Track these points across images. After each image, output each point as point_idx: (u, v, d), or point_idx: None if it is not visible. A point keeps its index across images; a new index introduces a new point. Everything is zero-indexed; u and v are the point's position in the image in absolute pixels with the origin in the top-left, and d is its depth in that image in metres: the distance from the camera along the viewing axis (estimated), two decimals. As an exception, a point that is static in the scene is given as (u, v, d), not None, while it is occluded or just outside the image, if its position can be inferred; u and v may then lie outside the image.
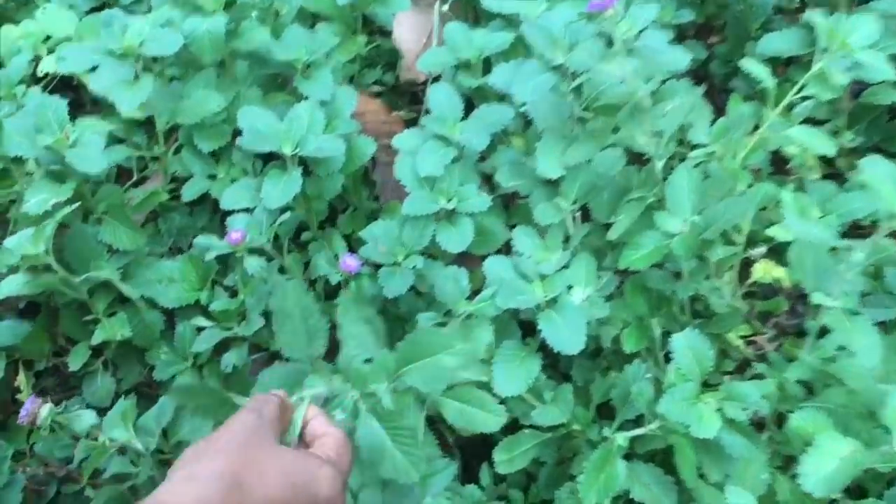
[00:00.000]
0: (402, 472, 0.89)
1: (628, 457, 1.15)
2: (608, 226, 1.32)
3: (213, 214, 1.50)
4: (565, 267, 1.22)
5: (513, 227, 1.32)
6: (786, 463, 1.22)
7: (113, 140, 1.49)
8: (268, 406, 0.79)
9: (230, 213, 1.34)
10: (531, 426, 1.21)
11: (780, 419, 1.22)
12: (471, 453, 1.36)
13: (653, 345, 1.27)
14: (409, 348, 0.93)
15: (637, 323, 1.25)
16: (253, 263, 1.24)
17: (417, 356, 0.93)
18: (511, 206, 1.50)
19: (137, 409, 1.18)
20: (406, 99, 1.84)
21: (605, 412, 1.27)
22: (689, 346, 1.14)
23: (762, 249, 1.37)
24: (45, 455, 1.21)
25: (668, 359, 1.29)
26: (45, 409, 1.05)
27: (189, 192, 1.43)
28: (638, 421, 1.20)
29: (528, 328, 1.30)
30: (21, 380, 1.19)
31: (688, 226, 1.16)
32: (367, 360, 0.97)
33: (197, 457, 0.73)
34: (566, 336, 1.14)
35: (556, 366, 1.37)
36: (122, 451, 1.15)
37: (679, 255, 1.16)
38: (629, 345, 1.21)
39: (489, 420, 1.09)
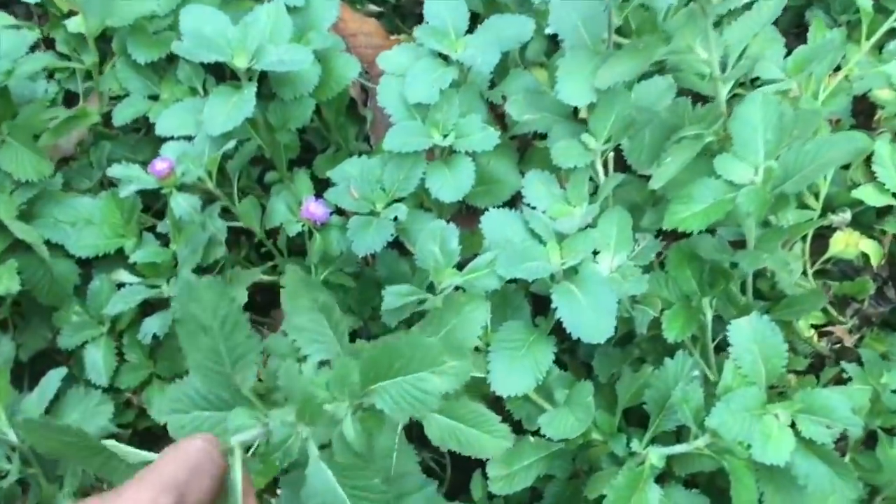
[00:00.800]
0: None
1: (661, 478, 0.86)
2: (646, 178, 1.02)
3: (158, 145, 1.21)
4: (591, 226, 0.91)
5: (527, 175, 1.02)
6: (870, 496, 0.93)
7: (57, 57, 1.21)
8: (196, 480, 0.51)
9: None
10: (537, 433, 0.92)
11: (870, 439, 0.93)
12: (461, 459, 1.07)
13: (702, 333, 0.97)
14: (381, 359, 0.61)
15: (683, 304, 0.95)
16: (181, 203, 0.95)
17: (392, 371, 0.61)
18: (527, 152, 1.20)
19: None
20: (411, 22, 1.52)
21: (634, 418, 0.98)
22: (754, 337, 0.84)
23: (846, 216, 1.06)
24: None
25: (720, 352, 1.00)
26: None
27: (121, 115, 1.15)
28: (679, 434, 0.91)
29: (540, 303, 1.01)
30: None
31: (761, 174, 0.86)
32: (322, 364, 0.67)
33: None
34: (589, 318, 0.84)
35: (573, 352, 1.08)
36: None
37: (746, 214, 0.86)
38: (672, 331, 0.91)
39: (488, 444, 0.78)
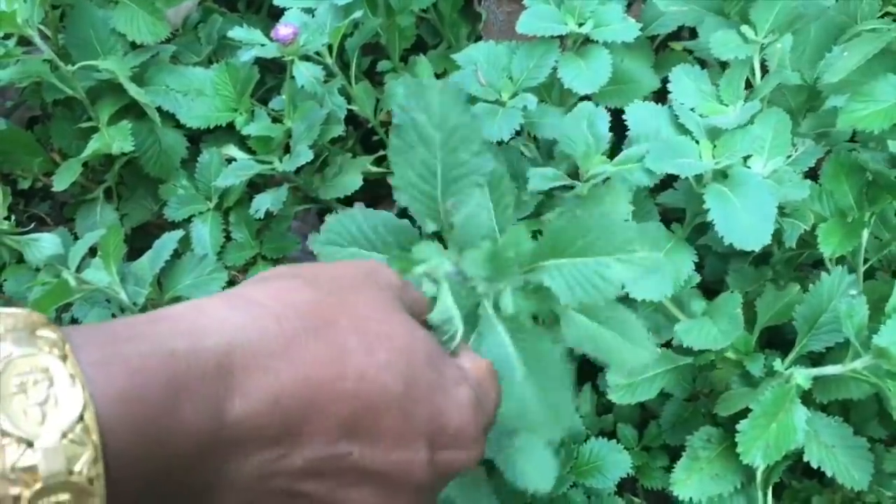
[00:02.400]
0: (538, 419, 0.53)
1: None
2: (802, 86, 0.93)
3: (271, 24, 1.15)
4: (749, 123, 0.83)
5: (665, 79, 0.93)
6: None
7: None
8: (384, 271, 0.46)
9: (287, 18, 0.99)
10: (666, 345, 0.85)
11: None
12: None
13: (853, 256, 0.89)
14: (563, 233, 0.53)
15: (839, 218, 0.86)
16: (303, 72, 0.89)
17: (572, 248, 0.54)
18: (660, 54, 1.11)
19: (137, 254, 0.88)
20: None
21: (766, 340, 0.91)
22: (928, 256, 0.75)
23: None
24: (13, 295, 0.92)
25: (870, 275, 0.92)
26: (-13, 224, 0.74)
27: (236, -15, 1.08)
28: (823, 357, 0.83)
29: (668, 214, 0.94)
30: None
31: (953, 75, 0.76)
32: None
33: (272, 277, 0.42)
34: (744, 223, 0.76)
35: (699, 268, 1.00)
36: (108, 300, 0.85)
37: (934, 118, 0.77)
38: (828, 246, 0.83)
39: (629, 353, 0.70)
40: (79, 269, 0.79)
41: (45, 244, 0.76)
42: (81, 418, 0.30)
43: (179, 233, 0.84)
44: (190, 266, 0.84)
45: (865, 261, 0.89)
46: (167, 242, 0.82)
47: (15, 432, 0.29)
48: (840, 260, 0.90)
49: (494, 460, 0.77)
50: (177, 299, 0.83)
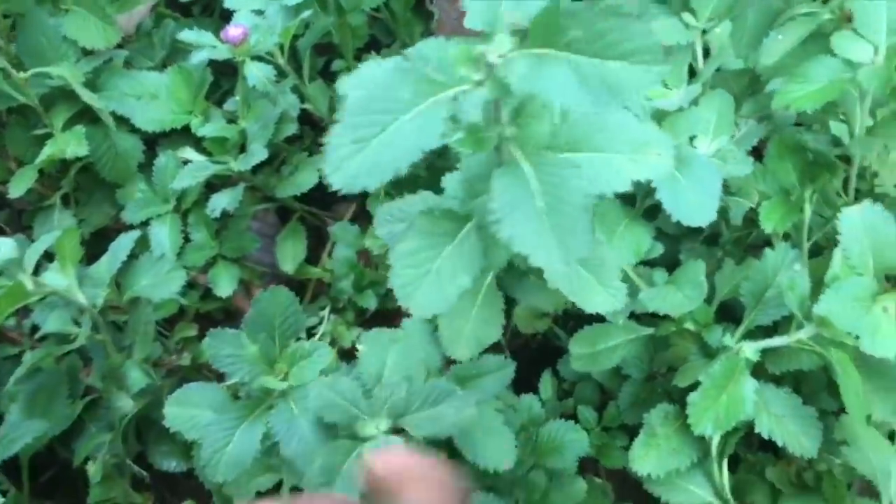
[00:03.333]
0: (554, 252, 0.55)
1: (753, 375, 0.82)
2: (742, 71, 0.96)
3: (223, 25, 1.16)
4: (693, 105, 0.86)
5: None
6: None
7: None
8: None
9: (239, 20, 1.00)
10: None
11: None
12: (525, 358, 1.04)
13: (797, 232, 0.91)
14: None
15: (782, 196, 0.89)
16: (255, 72, 0.90)
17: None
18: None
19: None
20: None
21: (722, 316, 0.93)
22: (864, 227, 0.78)
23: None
24: (-28, 304, 0.92)
25: (817, 252, 0.95)
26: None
27: (187, -11, 1.09)
28: (773, 330, 0.86)
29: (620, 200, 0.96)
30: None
31: (882, 53, 0.79)
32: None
33: None
34: (692, 200, 0.78)
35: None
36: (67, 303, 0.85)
37: (864, 94, 0.80)
38: (769, 222, 0.85)
39: (600, 298, 0.70)
40: (36, 273, 0.79)
41: (0, 248, 0.76)
42: None
43: (136, 233, 0.84)
44: (147, 266, 0.84)
45: (810, 238, 0.92)
46: (124, 243, 0.82)
47: None
48: (786, 237, 0.93)
49: (456, 443, 0.79)
50: (135, 300, 0.84)
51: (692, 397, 0.78)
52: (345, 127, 0.52)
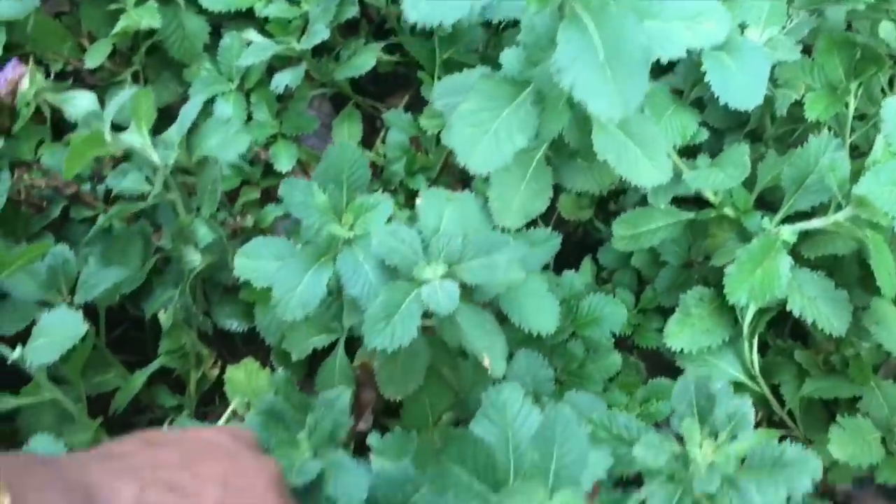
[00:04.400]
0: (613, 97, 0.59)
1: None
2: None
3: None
4: (743, -5, 0.88)
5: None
6: None
7: None
8: None
9: None
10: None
11: None
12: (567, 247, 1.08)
13: (840, 127, 0.94)
14: None
15: (828, 88, 0.91)
16: (321, -48, 0.93)
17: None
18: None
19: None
20: None
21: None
22: (908, 115, 0.81)
23: None
24: (52, 168, 0.98)
25: (856, 152, 0.97)
26: (27, 81, 0.79)
27: None
28: (810, 215, 0.89)
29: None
30: (30, 70, 0.95)
31: (939, -56, 0.80)
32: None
33: None
34: (740, 84, 0.81)
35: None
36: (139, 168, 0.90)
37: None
38: (813, 111, 0.88)
39: (647, 170, 0.71)
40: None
41: (81, 101, 0.81)
42: None
43: (203, 97, 0.89)
44: (215, 128, 0.89)
45: (851, 135, 0.95)
46: (192, 107, 0.87)
47: None
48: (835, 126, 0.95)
49: (502, 307, 0.84)
50: (203, 160, 0.89)
51: (729, 269, 0.82)
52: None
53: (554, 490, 0.57)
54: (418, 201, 0.76)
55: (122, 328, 1.04)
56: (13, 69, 0.80)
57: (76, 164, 0.80)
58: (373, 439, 0.79)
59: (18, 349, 0.79)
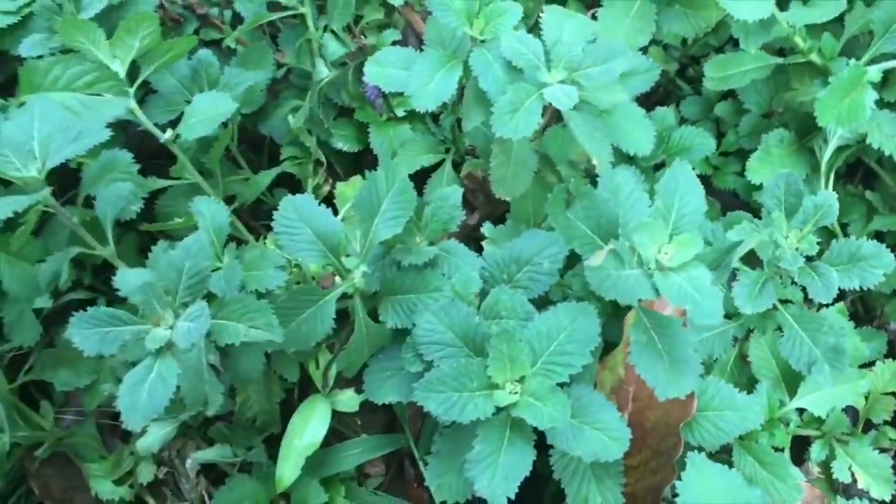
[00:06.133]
0: None
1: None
2: None
3: None
4: None
5: None
6: None
7: None
8: None
9: None
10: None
11: None
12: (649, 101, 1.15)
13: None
14: None
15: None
16: None
17: None
18: None
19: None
20: None
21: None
22: None
23: None
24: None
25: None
26: None
27: None
28: None
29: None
30: None
31: None
32: None
33: None
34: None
35: None
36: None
37: None
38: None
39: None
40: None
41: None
42: None
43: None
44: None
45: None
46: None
47: None
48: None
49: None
50: None
51: (820, 94, 0.89)
52: None
53: (673, 234, 0.67)
54: (541, 15, 0.84)
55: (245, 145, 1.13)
56: None
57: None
58: (486, 229, 0.89)
59: (169, 132, 0.88)
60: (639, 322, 0.73)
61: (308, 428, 0.84)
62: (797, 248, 0.77)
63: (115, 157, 0.83)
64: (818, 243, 0.82)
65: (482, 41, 0.83)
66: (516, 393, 0.70)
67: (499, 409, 0.70)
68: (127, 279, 0.65)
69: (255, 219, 1.10)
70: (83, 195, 0.86)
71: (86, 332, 0.62)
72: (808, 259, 0.80)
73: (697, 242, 0.64)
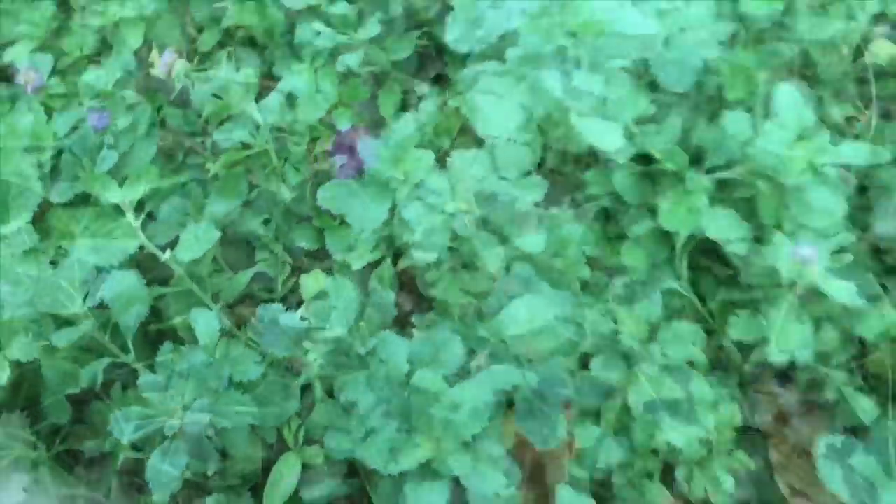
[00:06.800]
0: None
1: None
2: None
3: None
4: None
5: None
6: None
7: None
8: None
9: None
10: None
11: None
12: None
13: (754, 98, 1.28)
14: None
15: (744, 75, 1.26)
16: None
17: None
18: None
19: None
20: None
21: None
22: (791, 98, 1.15)
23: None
24: (175, 127, 1.33)
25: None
26: (180, 64, 1.14)
27: None
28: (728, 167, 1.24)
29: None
30: (154, 55, 1.28)
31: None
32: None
33: None
34: (677, 71, 1.16)
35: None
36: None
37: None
38: (733, 92, 1.23)
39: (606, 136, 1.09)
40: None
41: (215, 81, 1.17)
42: None
43: (291, 77, 1.25)
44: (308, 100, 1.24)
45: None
46: (285, 84, 1.22)
47: None
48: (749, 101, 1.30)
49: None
50: (296, 122, 1.24)
51: (664, 205, 1.17)
52: None
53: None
54: (448, 159, 1.12)
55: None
56: (168, 56, 1.15)
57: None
58: (415, 318, 1.16)
59: (168, 252, 1.15)
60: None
61: (284, 479, 1.11)
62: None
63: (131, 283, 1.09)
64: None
65: (406, 181, 1.10)
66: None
67: (422, 465, 0.97)
68: (148, 384, 0.92)
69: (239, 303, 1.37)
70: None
71: (125, 426, 0.89)
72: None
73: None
